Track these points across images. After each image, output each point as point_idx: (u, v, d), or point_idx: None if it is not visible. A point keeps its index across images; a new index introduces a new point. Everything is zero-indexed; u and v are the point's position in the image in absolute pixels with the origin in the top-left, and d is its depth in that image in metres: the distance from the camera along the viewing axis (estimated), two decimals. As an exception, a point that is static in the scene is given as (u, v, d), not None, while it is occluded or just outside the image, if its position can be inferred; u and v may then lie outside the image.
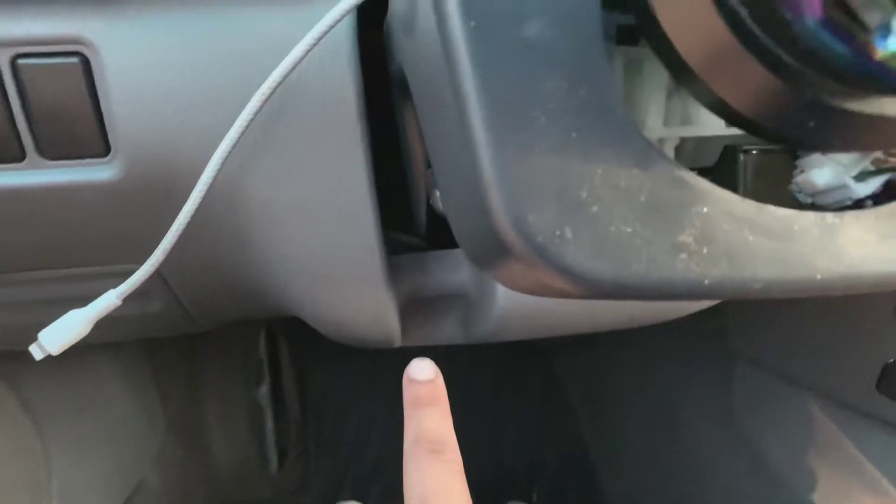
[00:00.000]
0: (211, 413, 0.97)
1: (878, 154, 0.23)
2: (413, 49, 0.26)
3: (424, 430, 0.28)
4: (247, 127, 0.31)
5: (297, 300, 0.42)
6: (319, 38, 0.29)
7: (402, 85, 0.31)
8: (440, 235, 0.44)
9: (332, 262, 0.39)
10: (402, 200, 0.43)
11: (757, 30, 0.17)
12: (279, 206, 0.36)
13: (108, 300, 0.35)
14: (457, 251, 0.46)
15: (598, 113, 0.20)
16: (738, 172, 0.24)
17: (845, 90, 0.18)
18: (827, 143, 0.20)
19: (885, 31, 0.15)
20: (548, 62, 0.19)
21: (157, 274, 0.35)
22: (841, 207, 0.23)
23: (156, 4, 0.32)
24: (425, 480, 0.26)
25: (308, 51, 0.29)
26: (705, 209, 0.20)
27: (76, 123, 0.33)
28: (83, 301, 0.35)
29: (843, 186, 0.23)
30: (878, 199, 0.23)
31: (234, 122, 0.31)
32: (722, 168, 0.24)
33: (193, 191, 0.32)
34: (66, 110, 0.32)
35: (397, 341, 0.46)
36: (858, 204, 0.23)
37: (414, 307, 0.47)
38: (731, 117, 0.20)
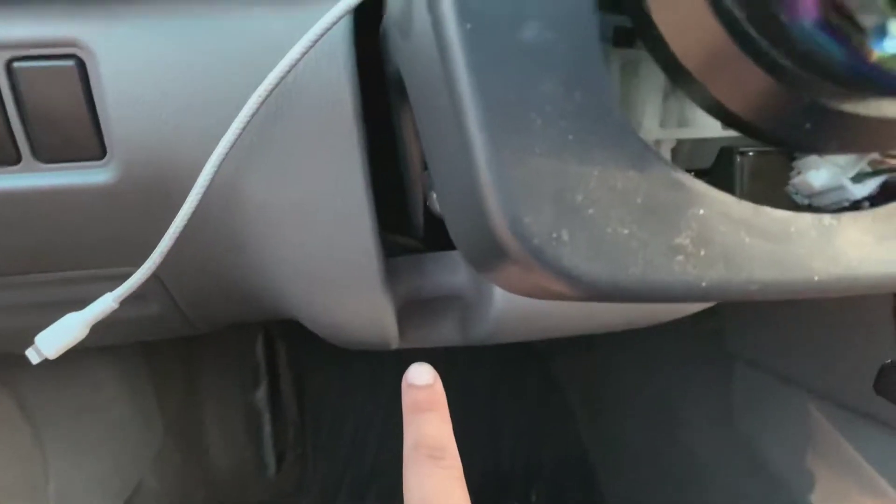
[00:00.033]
0: (209, 416, 0.96)
1: (875, 155, 0.23)
2: (409, 51, 0.26)
3: (424, 436, 0.28)
4: (243, 129, 0.31)
5: (294, 303, 0.42)
6: (316, 41, 0.29)
7: (399, 87, 0.31)
8: (437, 237, 0.44)
9: (329, 264, 0.38)
10: (399, 202, 0.43)
11: (753, 32, 0.17)
12: (276, 209, 0.36)
13: (105, 303, 0.34)
14: (454, 253, 0.46)
15: (595, 115, 0.20)
16: (734, 174, 0.24)
17: (842, 92, 0.18)
18: (823, 145, 0.20)
19: (881, 33, 0.15)
20: (544, 64, 0.19)
21: (154, 277, 0.34)
22: (838, 209, 0.23)
23: (151, 7, 0.32)
24: (426, 487, 0.26)
25: (304, 53, 0.29)
26: (702, 211, 0.20)
27: (72, 126, 0.33)
28: (80, 304, 0.35)
29: (840, 188, 0.23)
30: (875, 200, 0.23)
31: (230, 124, 0.30)
32: (718, 169, 0.24)
33: (190, 193, 0.31)
34: (61, 113, 0.32)
35: (395, 343, 0.46)
36: (855, 205, 0.23)
37: (411, 309, 0.47)
38: (727, 119, 0.20)
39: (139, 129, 0.33)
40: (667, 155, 0.25)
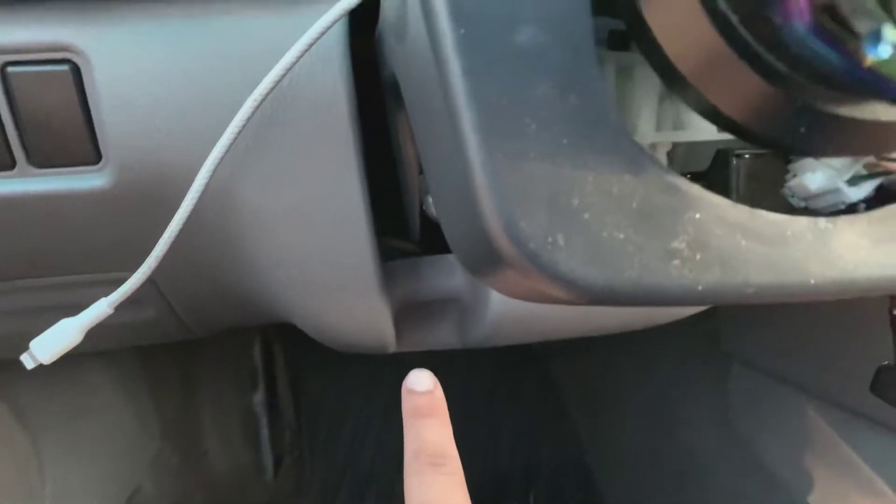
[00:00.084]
0: (206, 420, 0.96)
1: (871, 158, 0.23)
2: (404, 55, 0.25)
3: (425, 443, 0.28)
4: (238, 133, 0.31)
5: (290, 307, 0.42)
6: (311, 45, 0.29)
7: (395, 91, 0.31)
8: (434, 240, 0.44)
9: (326, 268, 0.38)
10: (395, 206, 0.43)
11: (747, 36, 0.17)
12: (271, 213, 0.36)
13: (100, 308, 0.34)
14: (450, 256, 0.46)
15: (590, 119, 0.20)
16: (730, 177, 0.23)
17: (836, 96, 0.18)
18: (819, 149, 0.20)
19: (875, 38, 0.15)
20: (538, 68, 0.19)
21: (150, 281, 0.34)
22: (834, 211, 0.23)
23: (146, 11, 0.32)
24: (427, 494, 0.26)
25: (300, 57, 0.29)
26: (698, 215, 0.20)
27: (67, 131, 0.33)
28: (75, 309, 0.35)
29: (836, 190, 0.23)
30: (871, 203, 0.23)
31: (225, 128, 0.30)
32: (714, 173, 0.24)
33: (185, 198, 0.31)
34: (56, 118, 0.32)
35: (392, 347, 0.46)
36: (851, 208, 0.23)
37: (408, 312, 0.46)
38: (722, 123, 0.20)
39: (134, 133, 0.33)
40: (662, 158, 0.25)
